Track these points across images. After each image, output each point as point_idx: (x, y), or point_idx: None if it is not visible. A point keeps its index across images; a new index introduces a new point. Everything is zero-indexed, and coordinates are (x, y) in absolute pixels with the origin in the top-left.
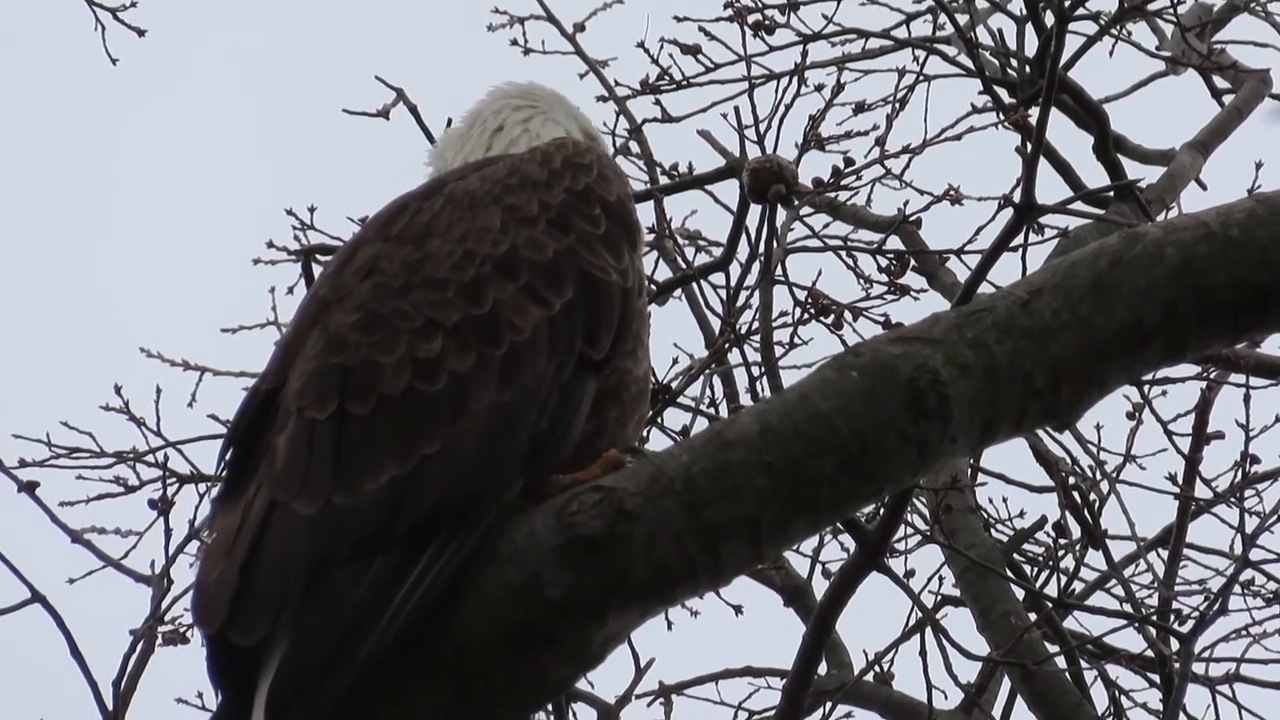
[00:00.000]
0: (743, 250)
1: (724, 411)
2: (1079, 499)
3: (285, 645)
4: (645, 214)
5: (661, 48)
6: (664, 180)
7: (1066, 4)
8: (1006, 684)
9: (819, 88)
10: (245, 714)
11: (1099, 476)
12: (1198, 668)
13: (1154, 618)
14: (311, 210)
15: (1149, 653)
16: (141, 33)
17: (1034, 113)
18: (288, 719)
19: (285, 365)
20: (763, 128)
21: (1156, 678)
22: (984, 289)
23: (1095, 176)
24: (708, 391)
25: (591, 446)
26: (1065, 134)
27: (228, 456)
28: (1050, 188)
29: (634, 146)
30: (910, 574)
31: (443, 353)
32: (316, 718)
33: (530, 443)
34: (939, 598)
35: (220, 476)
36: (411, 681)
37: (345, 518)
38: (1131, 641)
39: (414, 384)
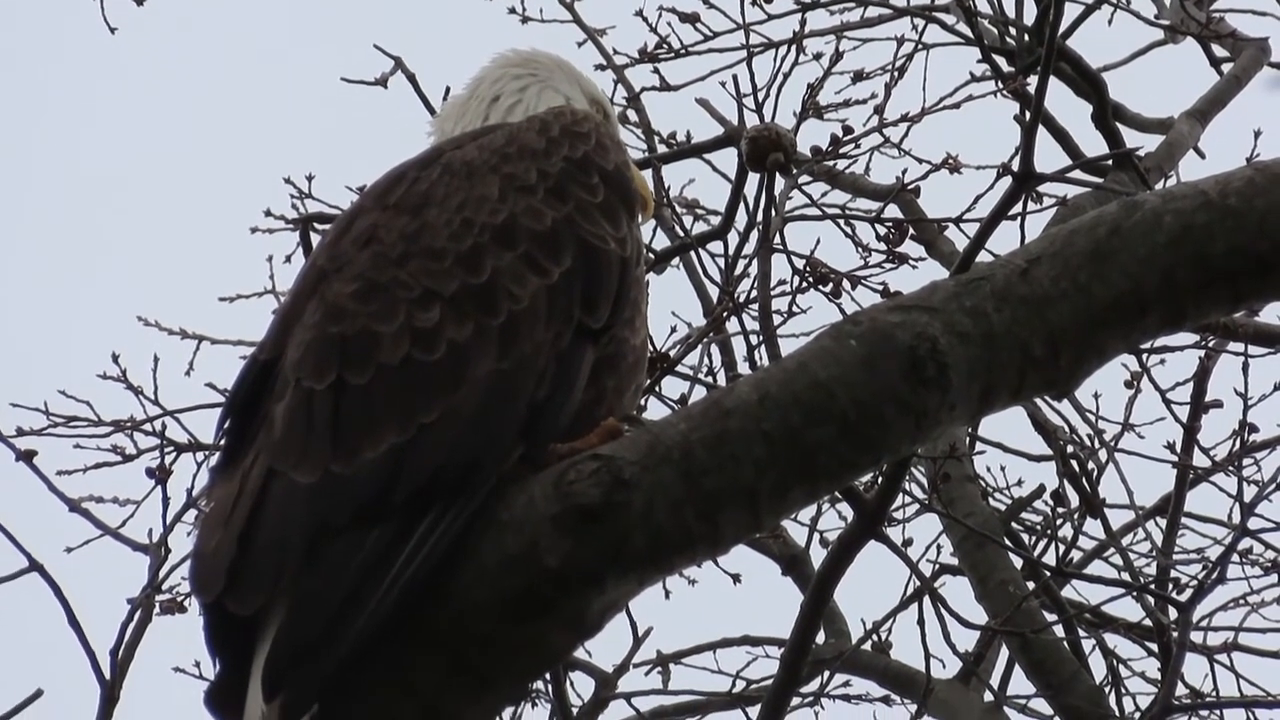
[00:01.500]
0: (741, 219)
1: (722, 380)
2: (1077, 467)
3: (283, 614)
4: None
5: (660, 16)
6: (662, 149)
7: None
8: (1004, 653)
9: (817, 56)
10: (242, 683)
11: (1097, 445)
12: (1196, 637)
13: (1152, 586)
14: (309, 179)
15: (1147, 621)
16: (140, 1)
17: (1033, 81)
18: (285, 687)
19: (283, 335)
20: (761, 96)
21: (1154, 646)
22: (983, 257)
23: (1094, 145)
24: (706, 360)
25: (590, 415)
26: (1064, 102)
27: (225, 426)
28: (1049, 156)
29: (632, 115)
30: (908, 543)
31: (441, 322)
32: (313, 686)
33: (528, 411)
34: (937, 566)
35: (218, 446)
36: (408, 650)
37: (344, 486)
38: (1129, 610)
39: (412, 353)
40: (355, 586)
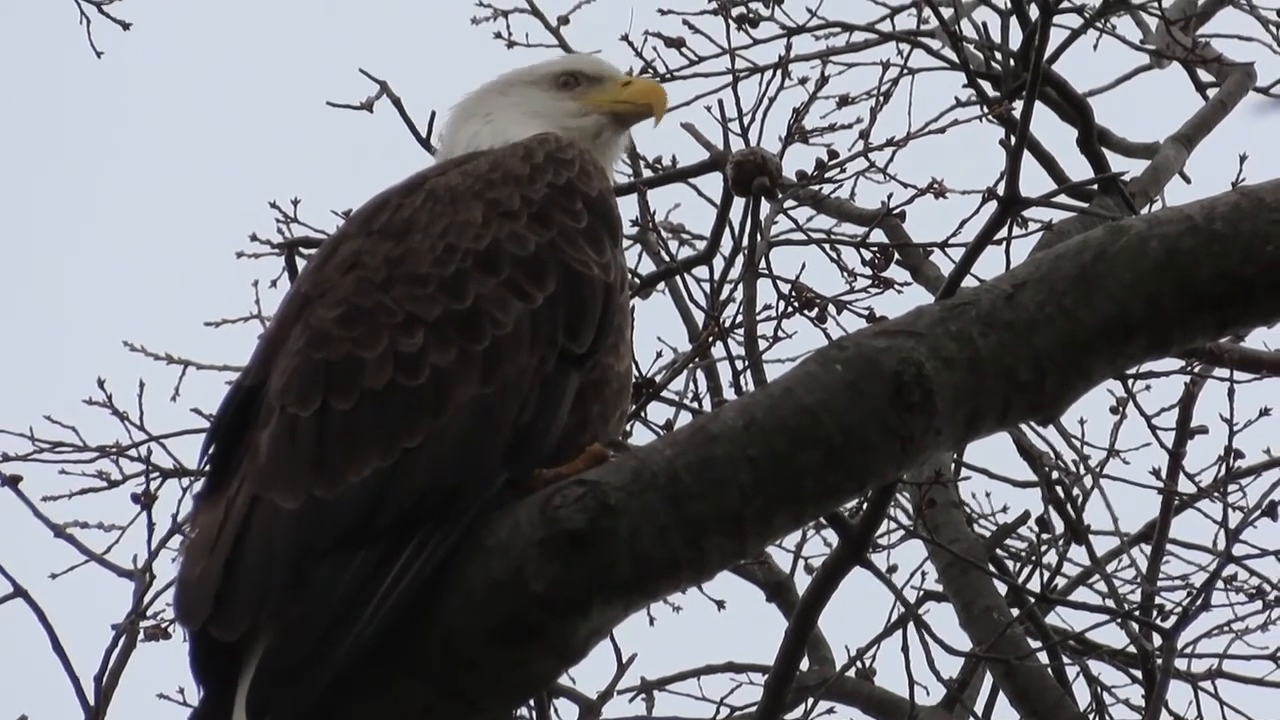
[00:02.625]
0: (726, 243)
1: (707, 405)
2: (1062, 494)
3: (268, 640)
4: (629, 207)
5: (645, 41)
6: (648, 173)
7: None
8: (989, 680)
9: (803, 81)
10: (227, 709)
11: (1082, 471)
12: (1180, 663)
13: (1136, 613)
14: (295, 203)
15: (1131, 648)
16: (126, 26)
17: (1018, 106)
18: (269, 713)
19: (268, 361)
20: (747, 121)
21: (1139, 674)
22: (968, 282)
23: (1079, 170)
24: (691, 385)
25: (574, 441)
26: (1049, 127)
27: (210, 453)
28: (1034, 181)
29: None
30: (893, 569)
31: (424, 347)
32: (298, 712)
33: (513, 435)
34: (921, 593)
35: (202, 473)
36: (394, 674)
37: (328, 511)
38: (1114, 637)
39: (396, 378)
40: (341, 610)
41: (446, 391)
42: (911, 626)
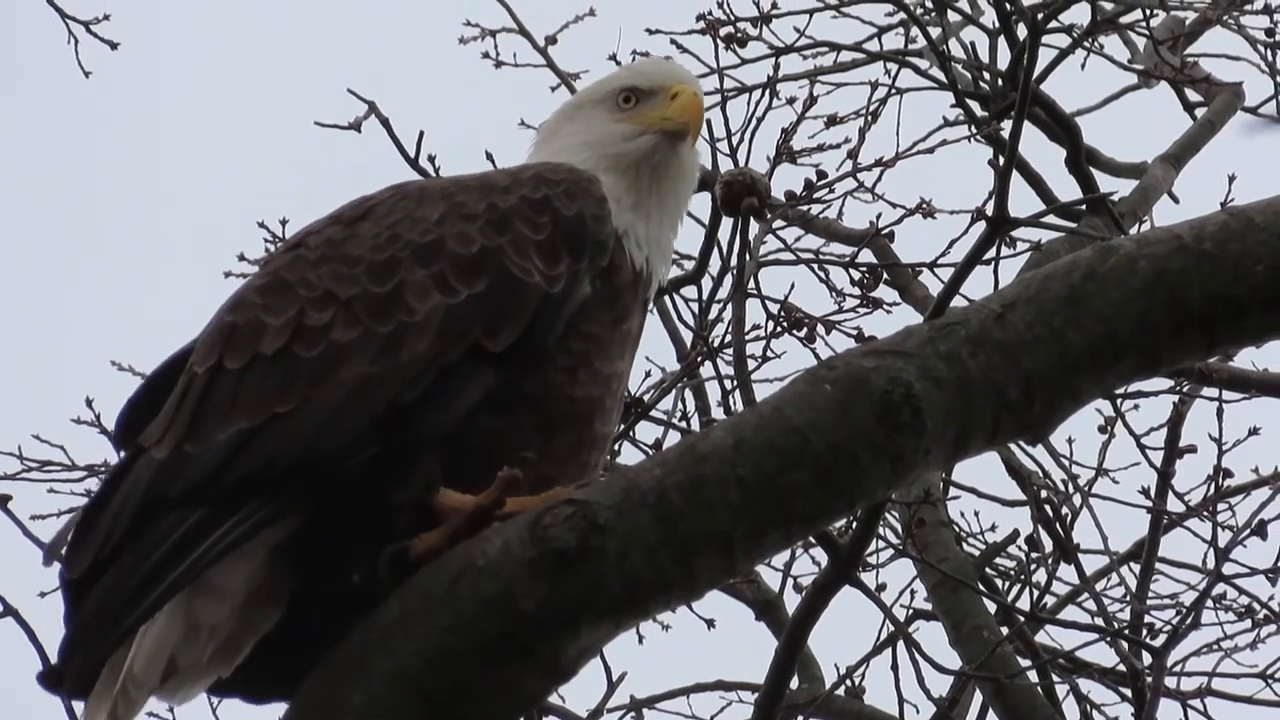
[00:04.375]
0: (715, 263)
1: (696, 425)
2: (1051, 513)
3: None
4: None
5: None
6: None
7: (1039, 17)
8: (979, 698)
9: (791, 101)
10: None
11: (1071, 490)
12: (1170, 682)
13: (1126, 632)
14: (283, 223)
15: (1121, 667)
16: (114, 46)
17: (1006, 125)
18: (77, 654)
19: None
20: (735, 140)
21: (1129, 692)
22: (957, 302)
23: (1068, 190)
24: (680, 405)
25: (503, 444)
26: (1038, 147)
27: (126, 418)
28: (1023, 201)
29: None
30: (882, 588)
31: (330, 323)
32: (98, 655)
33: (386, 411)
34: (911, 611)
35: (119, 437)
36: (385, 693)
37: (186, 464)
38: (1104, 656)
39: (291, 346)
40: (160, 563)
41: (335, 365)
42: (901, 645)
